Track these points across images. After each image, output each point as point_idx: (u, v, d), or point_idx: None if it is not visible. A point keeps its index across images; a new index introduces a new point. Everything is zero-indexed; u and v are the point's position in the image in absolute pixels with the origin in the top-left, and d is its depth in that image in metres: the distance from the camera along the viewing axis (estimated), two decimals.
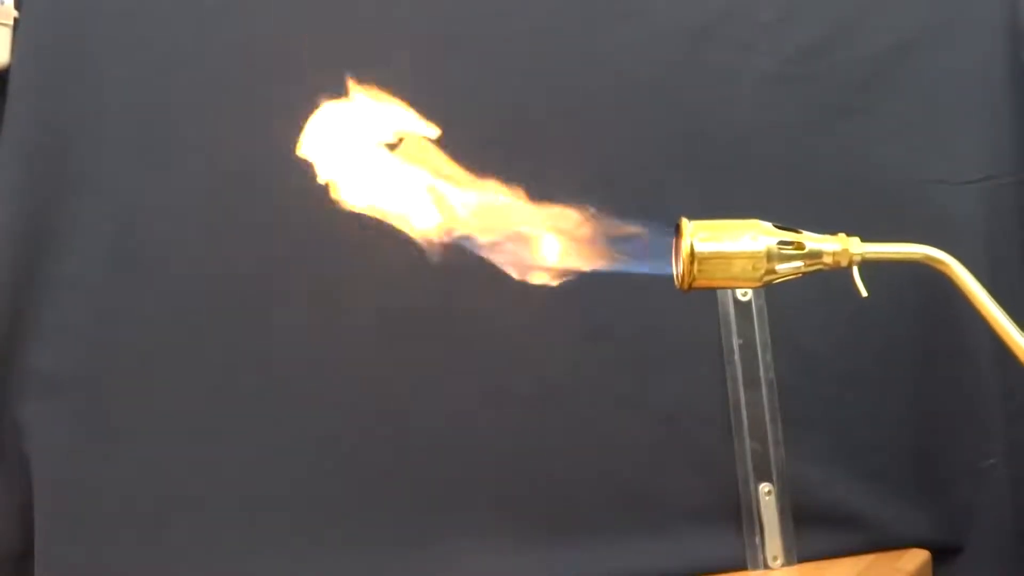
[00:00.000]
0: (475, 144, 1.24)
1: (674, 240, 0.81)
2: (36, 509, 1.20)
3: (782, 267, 0.80)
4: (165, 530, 1.22)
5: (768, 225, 0.81)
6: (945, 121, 1.32)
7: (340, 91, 0.94)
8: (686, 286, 0.79)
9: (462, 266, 0.85)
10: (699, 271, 0.79)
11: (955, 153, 1.31)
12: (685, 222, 0.80)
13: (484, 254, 0.83)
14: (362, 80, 1.22)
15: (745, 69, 1.31)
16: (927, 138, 1.31)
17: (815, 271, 0.82)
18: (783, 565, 1.29)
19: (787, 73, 1.31)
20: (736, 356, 1.29)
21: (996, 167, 1.31)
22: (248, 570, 1.23)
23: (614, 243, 0.81)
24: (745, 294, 1.29)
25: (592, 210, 0.82)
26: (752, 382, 1.29)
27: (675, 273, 0.81)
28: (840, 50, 1.32)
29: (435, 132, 0.85)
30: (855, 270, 0.82)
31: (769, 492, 1.28)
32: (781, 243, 0.80)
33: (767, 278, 0.80)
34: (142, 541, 1.22)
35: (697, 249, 0.78)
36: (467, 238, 0.83)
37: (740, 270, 0.79)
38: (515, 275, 0.84)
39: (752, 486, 1.29)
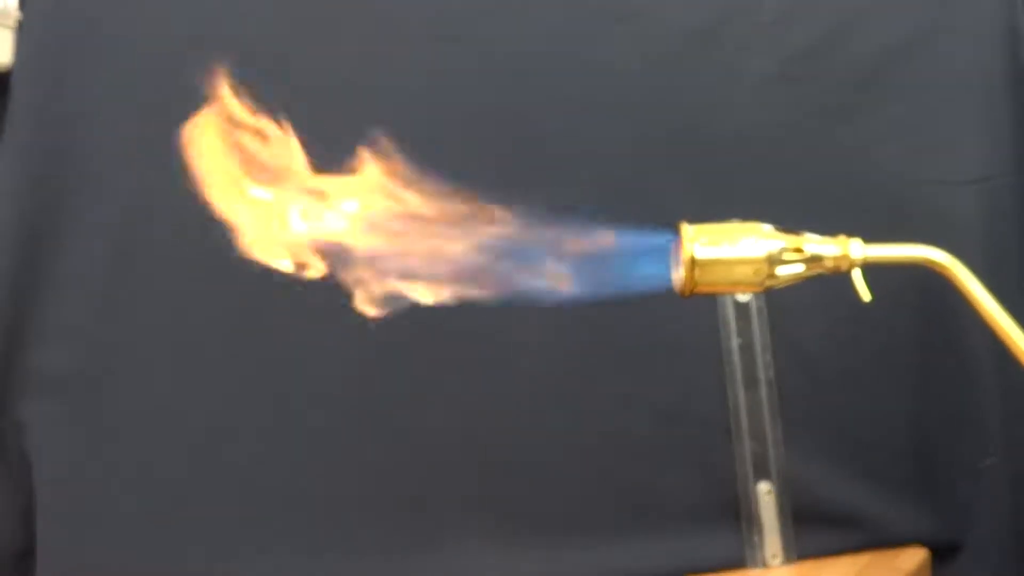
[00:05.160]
0: (472, 147, 1.26)
1: (673, 245, 0.81)
2: (37, 508, 1.21)
3: (783, 271, 0.80)
4: (165, 530, 1.23)
5: (769, 228, 0.80)
6: (945, 121, 1.31)
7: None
8: (688, 292, 0.79)
9: None
10: (700, 277, 0.78)
11: (955, 153, 1.31)
12: (685, 227, 0.79)
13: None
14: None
15: (745, 69, 1.31)
16: (927, 138, 1.31)
17: (817, 274, 0.82)
18: (782, 563, 1.29)
19: (787, 73, 1.31)
20: (735, 356, 1.29)
21: (996, 167, 1.31)
22: (248, 570, 1.23)
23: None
24: (744, 294, 1.29)
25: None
26: (751, 382, 1.29)
27: (675, 278, 0.81)
28: (840, 50, 1.31)
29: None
30: (856, 273, 0.81)
31: (768, 491, 1.29)
32: (782, 247, 0.80)
33: (768, 283, 0.80)
34: (142, 541, 1.22)
35: (698, 255, 0.78)
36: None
37: (741, 275, 0.79)
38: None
39: (751, 485, 1.29)
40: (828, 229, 0.84)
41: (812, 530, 1.30)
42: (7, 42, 1.20)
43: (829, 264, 0.81)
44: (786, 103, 1.31)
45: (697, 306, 1.27)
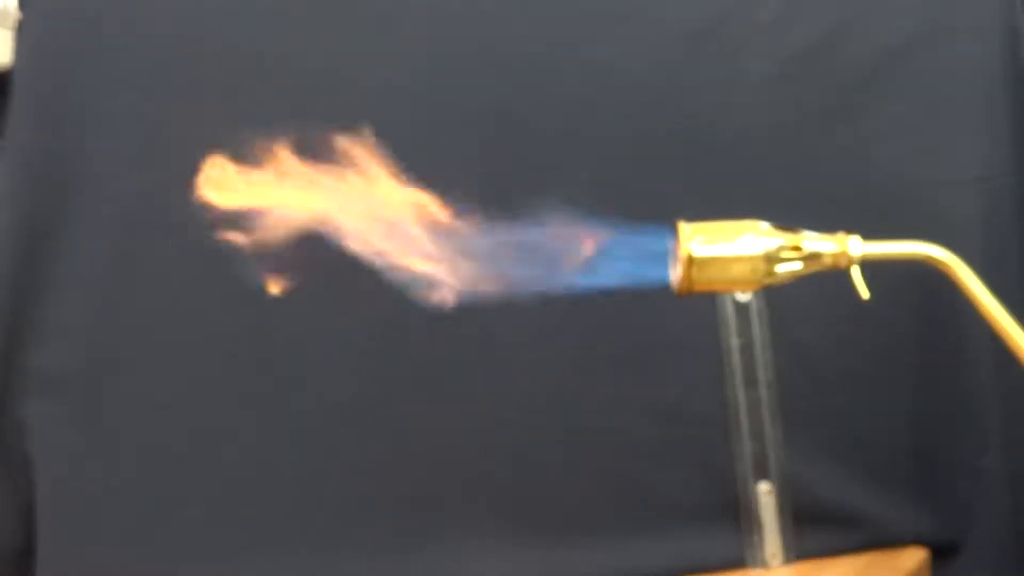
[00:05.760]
0: (472, 147, 1.26)
1: (671, 244, 0.81)
2: (37, 508, 1.21)
3: (781, 269, 0.80)
4: (165, 530, 1.23)
5: (766, 226, 0.80)
6: (945, 121, 1.31)
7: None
8: (685, 290, 0.79)
9: None
10: (698, 275, 0.78)
11: (955, 153, 1.31)
12: (683, 226, 0.79)
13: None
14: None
15: (745, 69, 1.31)
16: (927, 138, 1.31)
17: (815, 272, 0.82)
18: (782, 563, 1.29)
19: (787, 73, 1.31)
20: (735, 356, 1.29)
21: (995, 167, 1.30)
22: (248, 570, 1.23)
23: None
24: (744, 294, 1.29)
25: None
26: (751, 382, 1.29)
27: (673, 277, 0.81)
28: (840, 50, 1.31)
29: None
30: (855, 270, 0.81)
31: (768, 491, 1.29)
32: (779, 245, 0.80)
33: (766, 280, 0.80)
34: (142, 541, 1.22)
35: (695, 253, 0.78)
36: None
37: (739, 273, 0.79)
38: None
39: (751, 485, 1.29)
40: (828, 229, 0.84)
41: (812, 530, 1.30)
42: (7, 42, 1.20)
43: (827, 261, 0.81)
44: (786, 103, 1.31)
45: (697, 306, 1.27)
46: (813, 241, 0.81)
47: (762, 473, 1.29)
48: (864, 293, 0.81)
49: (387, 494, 1.26)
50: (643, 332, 1.29)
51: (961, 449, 1.32)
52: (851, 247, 0.81)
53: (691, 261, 0.78)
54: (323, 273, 1.23)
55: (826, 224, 0.84)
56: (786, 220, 0.83)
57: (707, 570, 1.28)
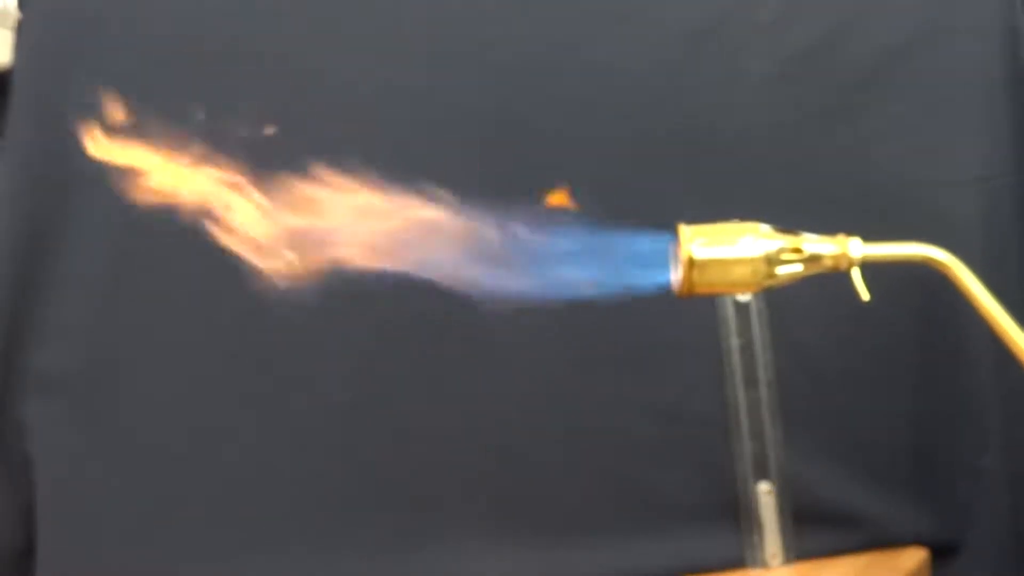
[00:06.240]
0: (472, 147, 1.26)
1: (672, 246, 0.81)
2: (37, 508, 1.21)
3: (781, 271, 0.80)
4: (165, 530, 1.23)
5: (767, 228, 0.80)
6: (945, 121, 1.31)
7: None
8: (686, 293, 0.79)
9: None
10: (698, 278, 0.78)
11: (955, 153, 1.30)
12: (683, 228, 0.79)
13: None
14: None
15: (745, 69, 1.31)
16: (927, 138, 1.30)
17: (815, 273, 0.82)
18: (782, 563, 1.29)
19: (787, 73, 1.30)
20: (735, 356, 1.29)
21: (996, 167, 1.30)
22: (247, 570, 1.23)
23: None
24: (744, 295, 1.29)
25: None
26: (751, 382, 1.29)
27: (674, 279, 0.81)
28: (840, 50, 1.31)
29: None
30: (855, 272, 0.81)
31: (768, 491, 1.29)
32: (780, 247, 0.80)
33: (767, 283, 0.80)
34: (142, 541, 1.22)
35: (696, 255, 0.78)
36: None
37: (739, 275, 0.79)
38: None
39: (751, 485, 1.29)
40: (828, 229, 0.84)
41: (812, 530, 1.30)
42: (7, 42, 1.21)
43: (828, 263, 0.81)
44: (786, 103, 1.31)
45: (697, 306, 1.27)
46: (813, 243, 0.81)
47: (762, 473, 1.29)
48: (864, 295, 0.81)
49: (387, 494, 1.26)
50: (643, 332, 1.28)
51: (961, 449, 1.31)
52: (851, 249, 0.81)
53: (692, 263, 0.78)
54: (323, 272, 1.23)
55: (826, 224, 0.84)
56: (786, 220, 0.83)
57: (707, 570, 1.28)
